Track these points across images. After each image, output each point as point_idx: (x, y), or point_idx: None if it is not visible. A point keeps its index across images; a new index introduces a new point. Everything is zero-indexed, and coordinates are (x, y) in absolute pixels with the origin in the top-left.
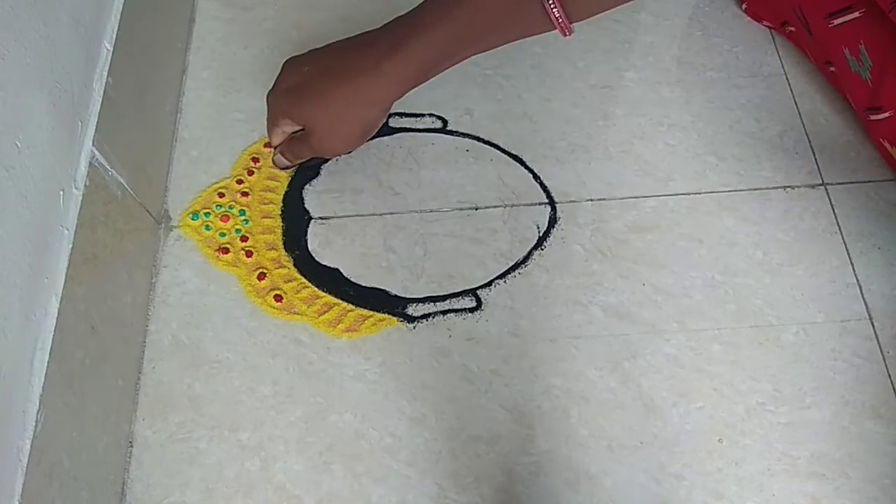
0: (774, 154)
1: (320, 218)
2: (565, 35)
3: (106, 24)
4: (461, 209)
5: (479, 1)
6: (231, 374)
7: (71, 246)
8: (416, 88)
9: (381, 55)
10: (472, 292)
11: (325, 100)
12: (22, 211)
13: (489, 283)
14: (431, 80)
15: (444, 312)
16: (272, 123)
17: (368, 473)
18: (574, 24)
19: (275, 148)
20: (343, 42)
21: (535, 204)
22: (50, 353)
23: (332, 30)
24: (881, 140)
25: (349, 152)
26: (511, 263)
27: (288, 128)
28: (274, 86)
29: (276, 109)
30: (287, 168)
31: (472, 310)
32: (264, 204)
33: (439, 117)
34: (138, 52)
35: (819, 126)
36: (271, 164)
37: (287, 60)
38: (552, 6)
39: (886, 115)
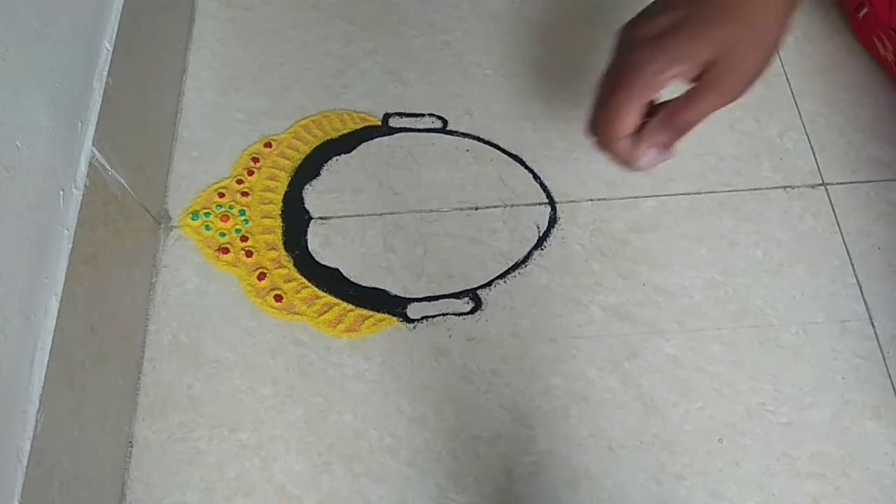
0: (774, 154)
1: (320, 218)
2: None
3: (106, 24)
4: (461, 209)
5: None
6: (231, 374)
7: (71, 246)
8: (418, 91)
9: None
10: (472, 292)
11: (734, 13)
12: (22, 211)
13: (489, 283)
14: (434, 80)
15: (444, 312)
16: (640, 87)
17: (368, 473)
18: None
19: (623, 138)
20: None
21: (535, 204)
22: (50, 353)
23: (332, 30)
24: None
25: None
26: (511, 263)
27: (667, 79)
28: (630, 43)
29: (658, 59)
30: (656, 163)
31: (471, 310)
32: (264, 204)
33: (439, 117)
34: (138, 52)
35: (819, 126)
36: (637, 166)
37: (628, 23)
38: None
39: None
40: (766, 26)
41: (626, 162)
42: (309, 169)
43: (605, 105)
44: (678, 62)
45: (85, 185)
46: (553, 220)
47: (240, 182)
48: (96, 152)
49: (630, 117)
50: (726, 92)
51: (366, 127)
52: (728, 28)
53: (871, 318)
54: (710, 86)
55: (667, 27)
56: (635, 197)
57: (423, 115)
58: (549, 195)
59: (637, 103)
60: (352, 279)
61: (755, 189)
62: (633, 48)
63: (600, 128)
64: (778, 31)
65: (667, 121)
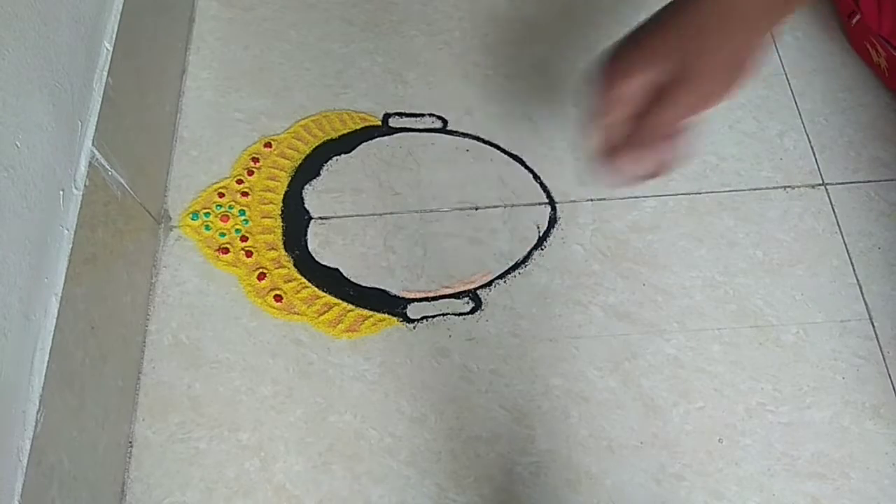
0: (774, 154)
1: (320, 218)
2: None
3: (106, 23)
4: (461, 209)
5: None
6: (231, 374)
7: (71, 246)
8: (418, 91)
9: None
10: (472, 292)
11: (702, 32)
12: (22, 211)
13: (489, 283)
14: (434, 80)
15: (444, 312)
16: (619, 80)
17: (368, 473)
18: None
19: (599, 145)
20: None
21: (535, 204)
22: (50, 353)
23: (332, 30)
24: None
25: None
26: (511, 263)
27: (640, 81)
28: (616, 52)
29: (634, 58)
30: (646, 177)
31: (471, 310)
32: (264, 204)
33: (439, 117)
34: (138, 52)
35: (819, 126)
36: (606, 182)
37: (614, 45)
38: None
39: None
40: (732, 48)
41: (609, 162)
42: (309, 169)
43: (594, 96)
44: (648, 64)
45: (85, 185)
46: (553, 220)
47: (240, 182)
48: (96, 152)
49: (612, 110)
50: (694, 96)
51: (366, 127)
52: (693, 39)
53: (871, 318)
54: (672, 95)
55: (647, 34)
56: (635, 197)
57: (423, 115)
58: (549, 195)
59: (614, 99)
60: (352, 279)
61: (755, 189)
62: (614, 56)
63: (592, 118)
64: (747, 52)
65: (646, 120)
